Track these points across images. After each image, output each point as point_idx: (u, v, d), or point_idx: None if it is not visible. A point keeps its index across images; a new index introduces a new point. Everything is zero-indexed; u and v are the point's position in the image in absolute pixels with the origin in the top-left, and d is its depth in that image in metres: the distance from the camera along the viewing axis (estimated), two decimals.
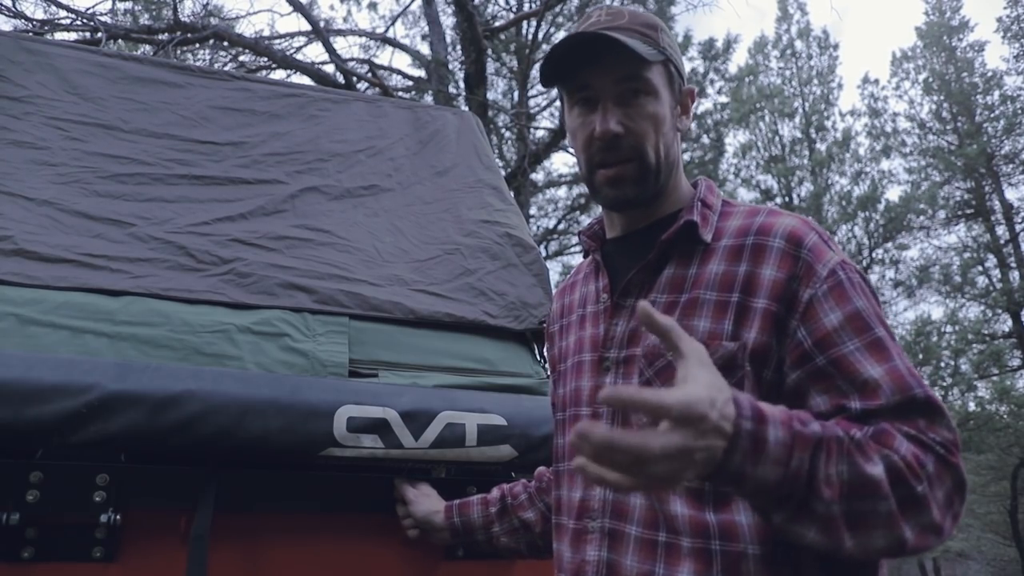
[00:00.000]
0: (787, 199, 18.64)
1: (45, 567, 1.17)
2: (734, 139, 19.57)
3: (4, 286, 1.51)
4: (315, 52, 14.37)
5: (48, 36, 7.70)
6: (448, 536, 1.35)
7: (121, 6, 9.64)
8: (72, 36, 8.47)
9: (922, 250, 18.87)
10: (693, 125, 1.43)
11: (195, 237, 1.82)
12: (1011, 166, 17.32)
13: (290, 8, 9.67)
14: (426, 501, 1.37)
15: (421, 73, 10.72)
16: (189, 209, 1.91)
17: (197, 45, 9.51)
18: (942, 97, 18.85)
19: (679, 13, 12.84)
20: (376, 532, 1.40)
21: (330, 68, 9.73)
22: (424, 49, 11.27)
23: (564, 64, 1.00)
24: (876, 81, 20.90)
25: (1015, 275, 16.55)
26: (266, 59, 9.70)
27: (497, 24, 11.01)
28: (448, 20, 10.44)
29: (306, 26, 10.03)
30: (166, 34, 8.75)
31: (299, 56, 9.97)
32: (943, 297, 17.30)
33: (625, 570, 0.91)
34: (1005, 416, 15.60)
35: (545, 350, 1.36)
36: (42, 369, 1.20)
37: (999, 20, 17.71)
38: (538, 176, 14.32)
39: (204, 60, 9.76)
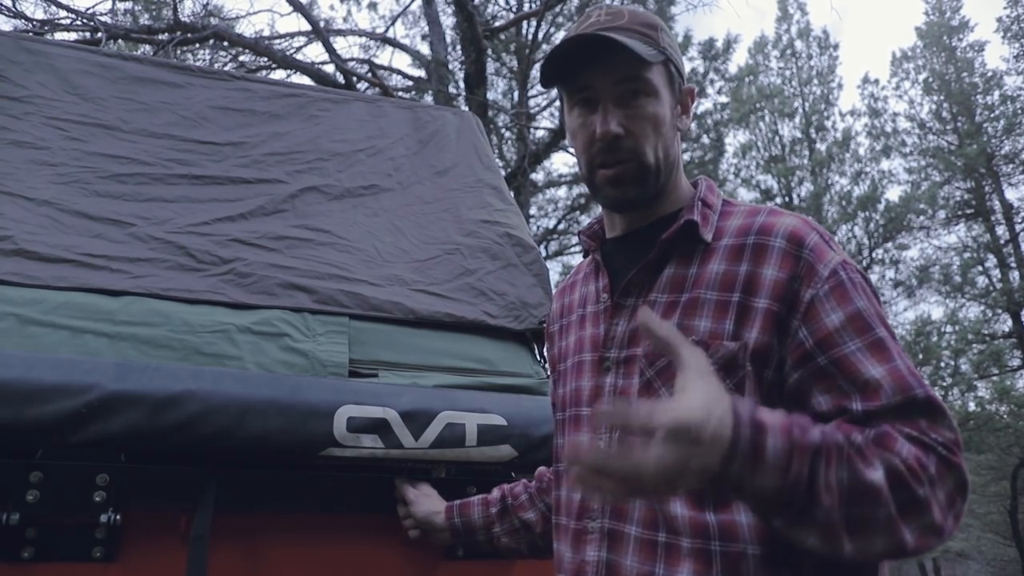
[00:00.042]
0: (787, 199, 18.64)
1: (45, 567, 1.17)
2: (734, 139, 19.60)
3: (4, 286, 1.51)
4: (315, 52, 14.39)
5: (48, 36, 7.70)
6: (449, 536, 1.35)
7: (121, 6, 9.65)
8: (72, 36, 8.47)
9: (922, 250, 18.89)
10: (693, 125, 1.43)
11: (195, 237, 1.82)
12: (1011, 166, 17.33)
13: (290, 8, 9.68)
14: (427, 501, 1.37)
15: (421, 73, 10.73)
16: (189, 209, 1.91)
17: (197, 45, 9.51)
18: (942, 97, 18.86)
19: (679, 13, 12.85)
20: (376, 532, 1.40)
21: (330, 68, 9.74)
22: (424, 49, 11.28)
23: (564, 65, 1.00)
24: (876, 81, 20.92)
25: (1015, 275, 16.56)
26: (266, 59, 9.70)
27: (497, 24, 11.01)
28: (448, 20, 10.46)
29: (306, 26, 10.04)
30: (166, 34, 8.75)
31: (299, 56, 9.98)
32: (943, 297, 17.30)
33: (625, 570, 0.91)
34: (1005, 416, 15.60)
35: (545, 350, 1.36)
36: (42, 369, 1.20)
37: (999, 20, 17.73)
38: (538, 176, 14.34)
39: (204, 60, 9.76)
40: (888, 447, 0.77)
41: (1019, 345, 15.97)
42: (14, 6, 7.88)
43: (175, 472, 1.26)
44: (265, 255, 1.84)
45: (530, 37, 11.21)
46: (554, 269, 14.88)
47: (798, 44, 20.51)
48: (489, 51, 10.21)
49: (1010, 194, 18.10)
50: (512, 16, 11.38)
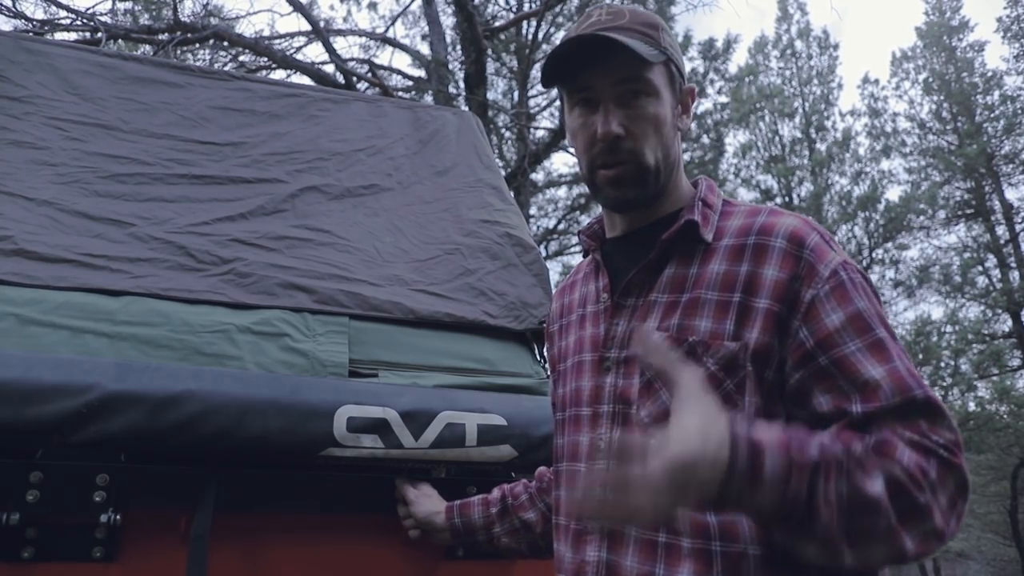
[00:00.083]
0: (787, 199, 18.64)
1: (45, 567, 1.17)
2: (734, 139, 19.59)
3: (4, 286, 1.51)
4: (315, 52, 14.39)
5: (48, 36, 7.70)
6: (449, 536, 1.35)
7: (121, 6, 9.65)
8: (72, 36, 8.47)
9: (922, 250, 18.90)
10: (693, 125, 1.43)
11: (195, 237, 1.82)
12: (1011, 166, 17.33)
13: (290, 8, 9.68)
14: (427, 501, 1.37)
15: (421, 73, 10.73)
16: (189, 209, 1.91)
17: (197, 45, 9.51)
18: (942, 97, 18.85)
19: (679, 13, 12.85)
20: (376, 532, 1.40)
21: (330, 68, 9.74)
22: (424, 49, 11.28)
23: (565, 65, 1.00)
24: (876, 81, 20.91)
25: (1015, 275, 16.56)
26: (266, 59, 9.70)
27: (497, 24, 11.01)
28: (448, 20, 10.45)
29: (306, 26, 10.04)
30: (166, 34, 8.74)
31: (299, 56, 9.98)
32: (943, 297, 17.30)
33: (625, 570, 0.91)
34: (1005, 416, 15.61)
35: (545, 350, 1.36)
36: (42, 369, 1.20)
37: (999, 20, 17.73)
38: (538, 176, 14.34)
39: (204, 60, 9.76)
40: (888, 455, 0.77)
41: (1019, 345, 15.97)
42: (14, 6, 7.88)
43: (175, 472, 1.26)
44: (265, 255, 1.84)
45: (530, 37, 11.21)
46: (554, 269, 14.89)
47: (798, 44, 20.51)
48: (489, 51, 10.21)
49: (1010, 194, 18.12)
50: (512, 16, 11.38)
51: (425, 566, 1.42)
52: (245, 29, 17.04)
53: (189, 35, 8.79)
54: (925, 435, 0.79)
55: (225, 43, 9.33)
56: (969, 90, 18.31)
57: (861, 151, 19.04)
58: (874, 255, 17.51)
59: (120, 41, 8.61)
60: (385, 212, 2.15)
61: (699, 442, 0.69)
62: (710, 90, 15.74)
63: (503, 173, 4.11)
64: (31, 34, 6.56)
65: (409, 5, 11.57)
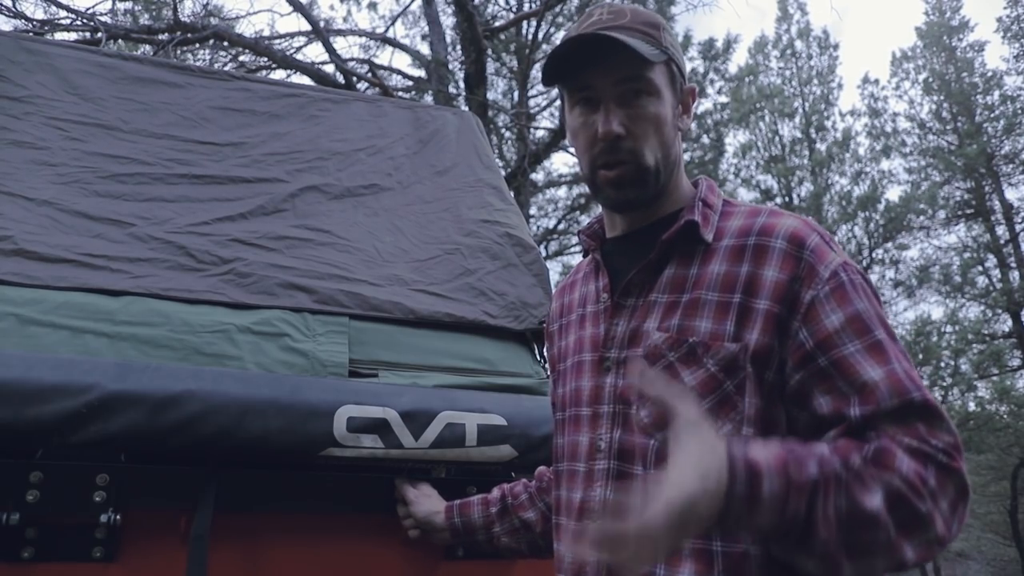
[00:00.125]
0: (787, 199, 18.64)
1: (45, 567, 1.17)
2: (734, 139, 19.59)
3: (4, 286, 1.51)
4: (315, 52, 14.39)
5: (48, 36, 7.70)
6: (449, 536, 1.35)
7: (121, 6, 9.65)
8: (72, 36, 8.47)
9: (922, 250, 18.89)
10: (693, 125, 1.43)
11: (195, 237, 1.82)
12: (1011, 166, 17.33)
13: (290, 8, 9.67)
14: (427, 501, 1.37)
15: (421, 73, 10.73)
16: (189, 209, 1.91)
17: (197, 45, 9.51)
18: (942, 97, 18.86)
19: (679, 13, 12.85)
20: (376, 532, 1.40)
21: (330, 68, 9.74)
22: (424, 49, 11.28)
23: (566, 64, 0.99)
24: (876, 81, 20.91)
25: (1015, 275, 16.56)
26: (266, 59, 9.70)
27: (497, 24, 11.00)
28: (448, 20, 10.45)
29: (306, 26, 10.04)
30: (166, 34, 8.74)
31: (299, 56, 9.97)
32: (943, 297, 17.31)
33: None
34: (1005, 416, 15.61)
35: (545, 350, 1.36)
36: (42, 369, 1.20)
37: (999, 20, 17.74)
38: (538, 176, 14.34)
39: (204, 60, 9.76)
40: (887, 465, 0.76)
41: (1019, 345, 15.97)
42: (14, 6, 7.88)
43: (175, 472, 1.26)
44: (265, 255, 1.84)
45: (530, 37, 11.21)
46: (554, 269, 14.89)
47: (798, 44, 20.51)
48: (489, 51, 10.21)
49: (1010, 194, 18.13)
50: (512, 16, 11.38)
51: (425, 566, 1.42)
52: (245, 29, 17.05)
53: (189, 35, 8.79)
54: (924, 440, 0.79)
55: (225, 43, 9.33)
56: (969, 90, 18.31)
57: (861, 151, 19.06)
58: (874, 255, 17.52)
59: (120, 41, 8.61)
60: (385, 212, 2.15)
61: (698, 482, 0.69)
62: (710, 90, 15.76)
63: (503, 173, 4.11)
64: (31, 34, 6.56)
65: (409, 5, 11.58)
